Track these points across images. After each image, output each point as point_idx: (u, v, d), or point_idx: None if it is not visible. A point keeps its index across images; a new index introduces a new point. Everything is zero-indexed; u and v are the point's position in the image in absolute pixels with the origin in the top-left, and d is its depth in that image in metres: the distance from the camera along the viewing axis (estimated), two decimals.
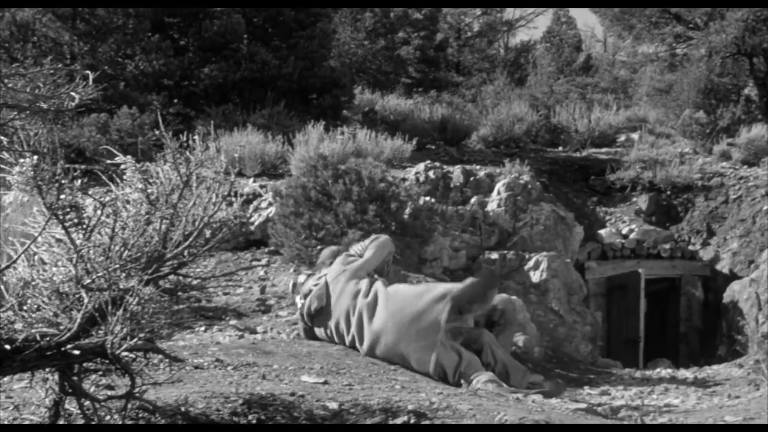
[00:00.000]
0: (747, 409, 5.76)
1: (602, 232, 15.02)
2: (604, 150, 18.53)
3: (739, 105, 19.43)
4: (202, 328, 7.72)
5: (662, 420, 5.08)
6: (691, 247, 15.15)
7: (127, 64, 17.90)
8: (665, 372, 10.37)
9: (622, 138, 19.43)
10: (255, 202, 12.12)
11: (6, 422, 3.02)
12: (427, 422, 3.40)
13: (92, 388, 3.08)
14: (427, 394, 3.93)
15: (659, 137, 18.72)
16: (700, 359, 13.29)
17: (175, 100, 17.90)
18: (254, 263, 10.65)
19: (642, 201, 15.79)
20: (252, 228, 11.56)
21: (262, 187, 12.62)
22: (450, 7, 32.88)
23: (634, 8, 22.04)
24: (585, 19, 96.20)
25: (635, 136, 19.03)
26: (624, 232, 15.06)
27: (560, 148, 18.86)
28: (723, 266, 14.66)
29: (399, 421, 3.38)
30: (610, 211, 15.80)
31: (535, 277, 12.17)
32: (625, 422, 4.14)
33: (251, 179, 13.22)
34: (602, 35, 39.60)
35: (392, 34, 31.16)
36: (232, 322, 8.13)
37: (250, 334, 7.44)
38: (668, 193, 15.94)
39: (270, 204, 11.80)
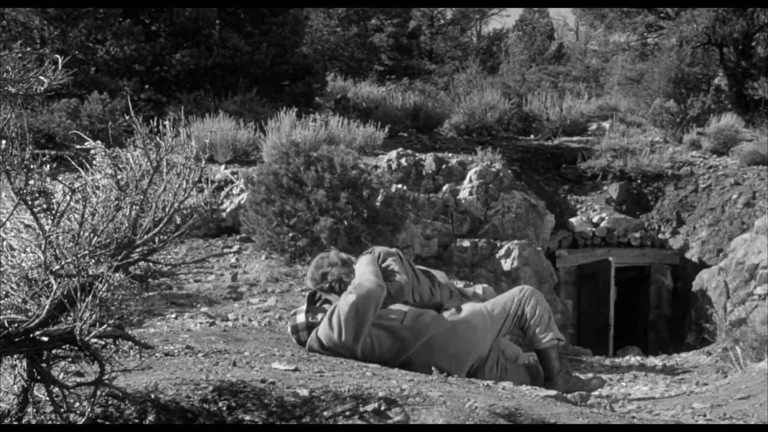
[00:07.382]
0: (715, 396, 5.82)
1: (573, 220, 15.10)
2: (575, 138, 18.62)
3: (709, 95, 19.59)
4: (173, 315, 7.70)
5: (631, 407, 5.12)
6: (660, 236, 15.26)
7: (98, 49, 17.72)
8: (634, 359, 10.50)
9: (594, 127, 19.54)
10: (226, 189, 12.09)
11: None
12: (397, 409, 3.41)
13: (61, 375, 3.06)
14: (397, 381, 3.94)
15: (630, 126, 18.84)
16: (669, 347, 13.44)
17: (147, 86, 17.77)
18: (225, 250, 10.64)
19: (613, 189, 15.87)
20: (223, 215, 11.53)
21: (233, 173, 12.58)
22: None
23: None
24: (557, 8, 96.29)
25: (606, 124, 19.15)
26: (595, 220, 15.14)
27: (532, 137, 18.93)
28: (692, 255, 14.79)
29: (369, 408, 3.38)
30: (581, 200, 15.88)
31: (507, 265, 12.23)
32: (595, 409, 4.16)
33: (223, 166, 13.17)
34: (574, 24, 39.80)
35: (365, 21, 31.09)
36: (203, 309, 8.12)
37: (221, 321, 7.43)
38: (638, 181, 16.04)
39: (242, 191, 11.77)
